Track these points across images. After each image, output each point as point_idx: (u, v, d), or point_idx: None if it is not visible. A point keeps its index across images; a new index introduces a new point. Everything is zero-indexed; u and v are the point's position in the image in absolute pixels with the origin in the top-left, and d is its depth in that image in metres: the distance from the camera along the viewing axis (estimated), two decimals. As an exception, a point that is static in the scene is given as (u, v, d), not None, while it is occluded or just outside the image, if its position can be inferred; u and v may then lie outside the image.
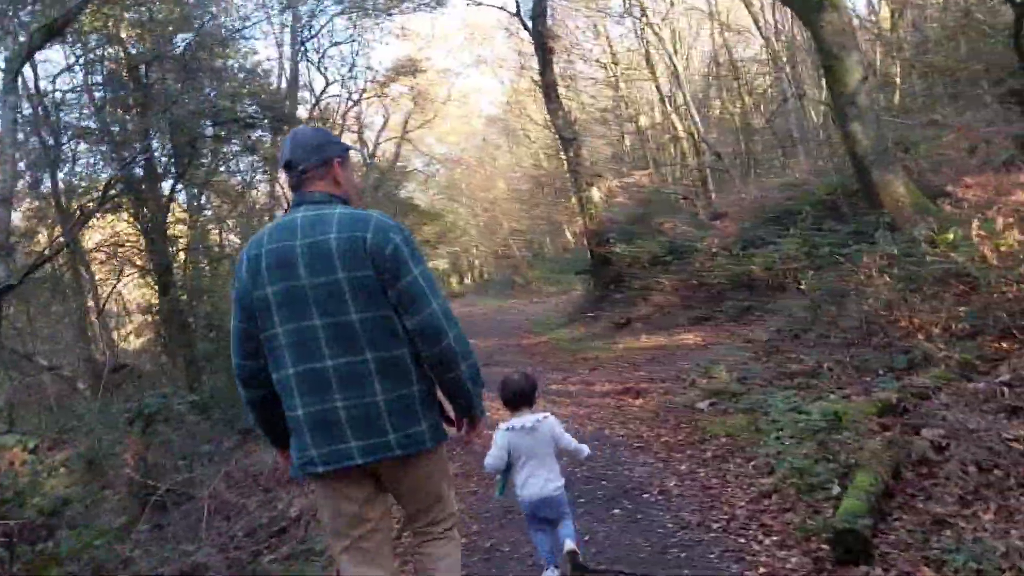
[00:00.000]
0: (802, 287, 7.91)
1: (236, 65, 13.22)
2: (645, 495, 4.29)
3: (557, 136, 16.38)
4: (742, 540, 3.42)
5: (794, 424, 4.39)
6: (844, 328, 6.05)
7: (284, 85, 19.97)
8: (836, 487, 3.47)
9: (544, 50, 14.92)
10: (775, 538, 3.35)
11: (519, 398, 3.12)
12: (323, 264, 2.12)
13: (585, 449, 3.30)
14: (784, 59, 18.99)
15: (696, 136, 20.66)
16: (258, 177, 19.52)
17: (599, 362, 9.89)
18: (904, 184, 7.19)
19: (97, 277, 15.55)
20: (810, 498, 3.55)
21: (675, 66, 20.27)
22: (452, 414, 2.37)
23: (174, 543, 4.99)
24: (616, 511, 4.10)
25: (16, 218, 12.83)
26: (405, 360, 2.18)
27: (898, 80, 15.53)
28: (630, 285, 13.07)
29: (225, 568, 4.45)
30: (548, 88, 15.40)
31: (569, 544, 3.02)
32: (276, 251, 2.16)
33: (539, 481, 3.02)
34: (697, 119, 20.58)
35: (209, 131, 11.81)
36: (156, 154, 11.45)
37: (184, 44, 11.37)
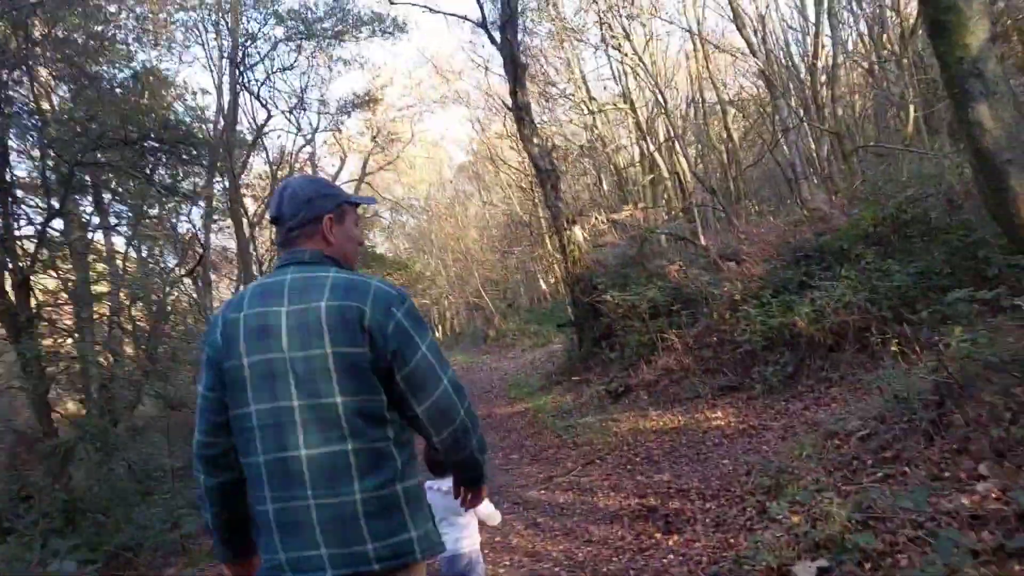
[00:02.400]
0: (896, 349, 5.45)
1: (126, 74, 10.68)
2: None
3: (532, 168, 13.97)
4: None
5: None
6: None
7: (215, 114, 17.53)
8: None
9: (514, 64, 12.62)
10: None
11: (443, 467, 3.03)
12: (309, 336, 1.83)
13: (498, 516, 3.37)
14: (782, 85, 17.02)
15: (682, 174, 18.54)
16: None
17: (596, 451, 7.31)
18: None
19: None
20: None
21: (660, 96, 18.14)
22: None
23: None
24: None
25: None
26: (390, 452, 1.87)
27: None
28: (626, 342, 10.57)
29: None
30: (521, 111, 13.06)
31: None
32: (257, 316, 1.89)
33: (450, 539, 3.12)
34: (684, 153, 18.44)
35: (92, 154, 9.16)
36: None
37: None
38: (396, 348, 1.84)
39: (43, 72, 9.66)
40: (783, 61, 18.12)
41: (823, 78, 16.22)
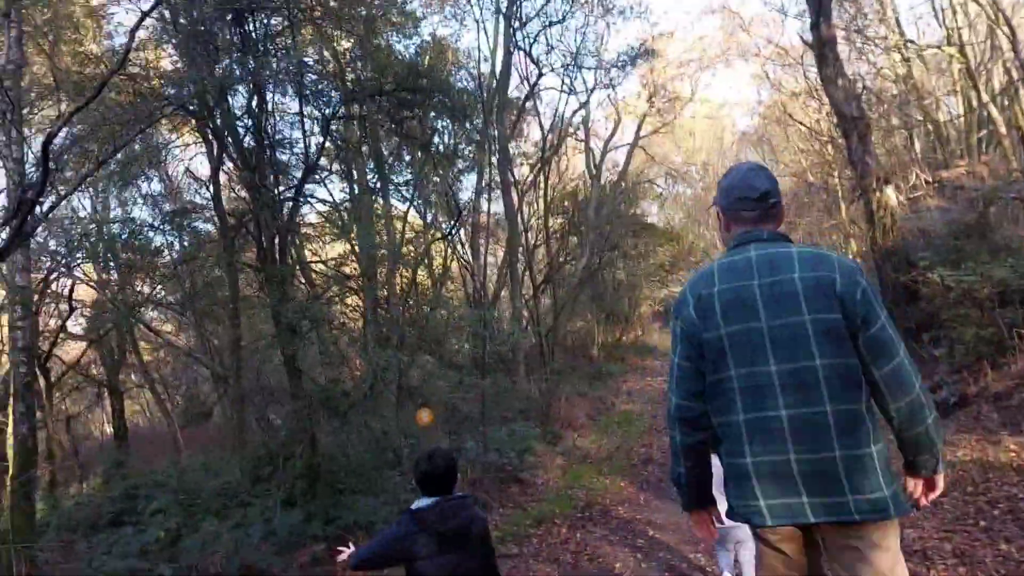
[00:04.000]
0: None
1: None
2: None
3: (835, 118, 11.55)
4: None
5: None
6: None
7: (490, 73, 17.12)
8: None
9: (818, -12, 10.36)
10: None
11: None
12: (786, 305, 2.06)
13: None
14: None
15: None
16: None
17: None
18: None
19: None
20: None
21: (1005, 31, 14.32)
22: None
23: None
24: None
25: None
26: (863, 415, 2.02)
27: None
28: (960, 336, 8.09)
29: None
30: (824, 47, 10.77)
31: None
32: (732, 291, 2.13)
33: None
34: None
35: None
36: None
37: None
38: (862, 311, 2.02)
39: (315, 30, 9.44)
40: None
41: None
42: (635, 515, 6.42)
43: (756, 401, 2.05)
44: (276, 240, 8.42)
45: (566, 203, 22.13)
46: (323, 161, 10.06)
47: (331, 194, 23.06)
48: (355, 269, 12.02)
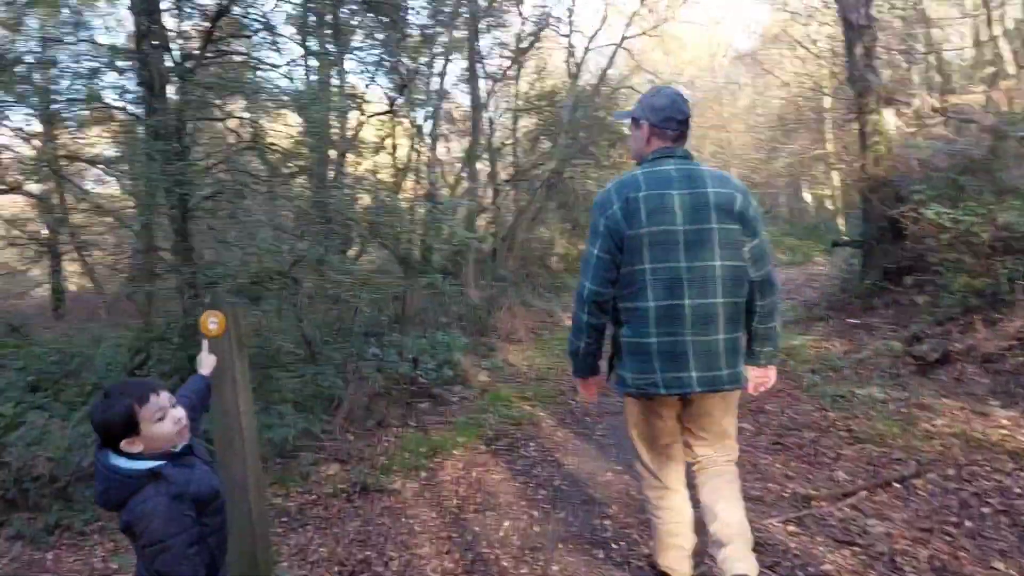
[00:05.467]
0: None
1: None
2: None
3: (840, 19, 10.09)
4: None
5: None
6: None
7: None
8: None
9: None
10: None
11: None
12: (700, 214, 2.49)
13: None
14: None
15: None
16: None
17: (894, 460, 4.31)
18: None
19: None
20: None
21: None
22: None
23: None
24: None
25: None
26: (741, 308, 2.59)
27: None
28: (949, 283, 7.04)
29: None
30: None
31: None
32: (656, 197, 2.51)
33: None
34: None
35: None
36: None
37: None
38: (752, 225, 2.56)
39: None
40: None
41: None
42: (547, 456, 5.40)
43: (666, 291, 2.48)
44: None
45: (542, 103, 20.55)
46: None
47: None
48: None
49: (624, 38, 22.38)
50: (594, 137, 19.92)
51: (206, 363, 2.54)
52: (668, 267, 2.46)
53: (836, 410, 5.54)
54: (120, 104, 8.03)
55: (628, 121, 2.85)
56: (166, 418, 1.86)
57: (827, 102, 22.54)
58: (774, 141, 28.40)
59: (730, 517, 2.70)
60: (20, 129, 12.33)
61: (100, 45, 8.45)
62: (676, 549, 2.86)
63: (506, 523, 4.11)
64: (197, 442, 2.01)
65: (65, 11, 11.32)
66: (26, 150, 14.01)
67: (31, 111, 11.28)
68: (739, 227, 2.50)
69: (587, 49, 21.80)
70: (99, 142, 13.24)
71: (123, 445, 1.80)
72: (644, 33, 22.63)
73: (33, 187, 15.02)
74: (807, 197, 31.86)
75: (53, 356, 8.12)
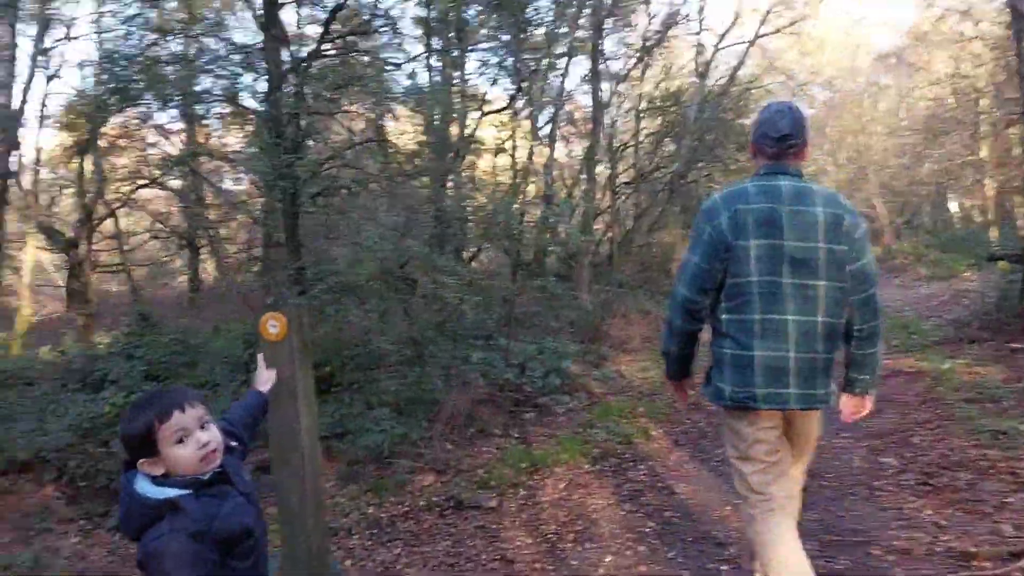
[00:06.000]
0: None
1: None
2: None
3: (1009, 7, 9.02)
4: None
5: None
6: None
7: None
8: None
9: None
10: None
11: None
12: (807, 232, 2.48)
13: None
14: None
15: None
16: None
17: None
18: None
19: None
20: None
21: None
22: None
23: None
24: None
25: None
26: (839, 329, 2.58)
27: None
28: None
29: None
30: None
31: None
32: (764, 211, 2.50)
33: None
34: None
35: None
36: None
37: None
38: (858, 247, 2.54)
39: None
40: None
41: None
42: (657, 481, 4.95)
43: (771, 305, 2.50)
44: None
45: (667, 103, 19.89)
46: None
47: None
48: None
49: (757, 36, 21.35)
50: (721, 139, 19.10)
51: (263, 376, 2.24)
52: (774, 281, 2.48)
53: (997, 448, 4.80)
54: (250, 103, 8.16)
55: None
56: (188, 440, 1.58)
57: (983, 103, 20.70)
58: (919, 146, 26.34)
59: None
60: (161, 126, 12.98)
61: (235, 45, 8.62)
62: None
63: (608, 558, 3.71)
64: (241, 467, 1.75)
65: (209, 14, 11.78)
66: (170, 147, 14.86)
67: (174, 109, 11.84)
68: (845, 248, 2.50)
69: (717, 48, 20.95)
70: (234, 139, 13.70)
71: (143, 466, 1.56)
72: (779, 31, 21.47)
73: (174, 183, 15.88)
74: (953, 207, 29.47)
75: (176, 346, 8.38)
